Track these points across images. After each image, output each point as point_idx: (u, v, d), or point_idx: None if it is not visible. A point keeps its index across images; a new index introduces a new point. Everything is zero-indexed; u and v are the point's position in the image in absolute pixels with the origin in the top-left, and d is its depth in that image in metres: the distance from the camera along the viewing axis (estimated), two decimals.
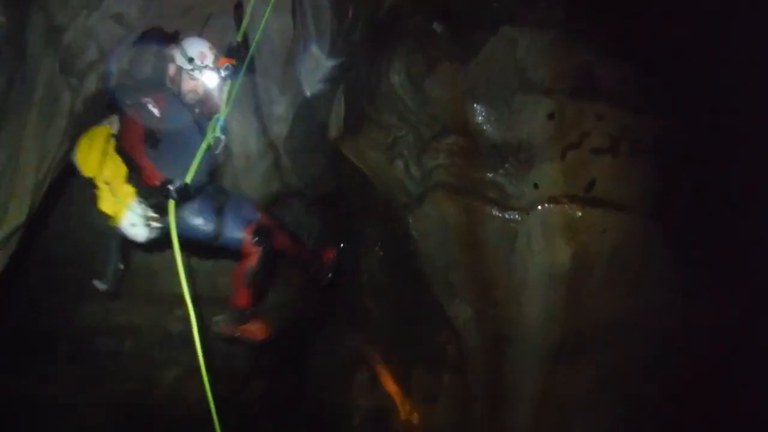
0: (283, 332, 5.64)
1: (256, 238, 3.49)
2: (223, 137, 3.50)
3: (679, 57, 3.84)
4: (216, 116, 3.49)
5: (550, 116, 3.82)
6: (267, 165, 5.11)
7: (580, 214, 3.78)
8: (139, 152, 3.20)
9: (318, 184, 5.33)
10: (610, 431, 4.10)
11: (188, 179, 3.15)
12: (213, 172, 3.64)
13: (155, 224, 3.30)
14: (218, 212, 3.52)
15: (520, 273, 3.92)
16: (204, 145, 3.27)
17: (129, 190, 3.25)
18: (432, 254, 4.19)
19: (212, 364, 5.29)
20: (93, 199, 3.31)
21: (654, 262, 3.96)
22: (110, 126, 3.40)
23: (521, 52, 3.93)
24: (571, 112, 3.81)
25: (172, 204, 3.10)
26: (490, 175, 3.93)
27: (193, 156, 3.22)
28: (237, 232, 3.50)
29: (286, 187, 5.25)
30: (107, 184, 3.26)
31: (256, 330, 3.75)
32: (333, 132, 4.85)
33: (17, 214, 3.04)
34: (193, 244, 3.42)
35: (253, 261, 3.52)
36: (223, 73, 3.46)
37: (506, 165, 3.91)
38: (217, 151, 3.53)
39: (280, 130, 5.01)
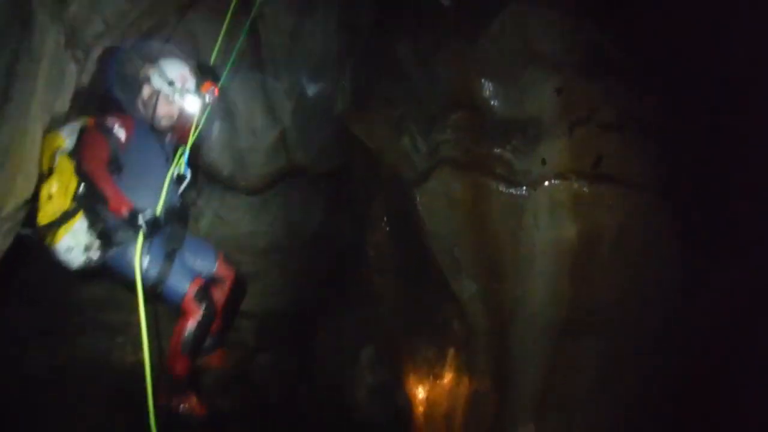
0: (288, 313, 5.69)
1: (199, 295, 3.13)
2: (188, 174, 3.21)
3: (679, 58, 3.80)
4: (181, 149, 3.21)
5: (558, 91, 3.79)
6: (273, 140, 5.10)
7: (587, 190, 3.77)
8: (104, 178, 2.90)
9: (324, 159, 5.31)
10: (617, 408, 4.11)
11: (158, 211, 2.91)
12: (173, 211, 3.22)
13: (94, 253, 2.99)
14: (168, 257, 3.13)
15: (526, 249, 3.92)
16: (168, 178, 3.03)
17: (73, 209, 2.99)
18: (438, 230, 4.19)
19: None
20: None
21: (660, 241, 3.95)
22: (64, 138, 3.06)
23: (530, 27, 3.89)
24: (580, 87, 3.79)
25: (140, 237, 2.84)
26: (497, 150, 3.91)
27: (158, 186, 2.98)
28: (182, 284, 3.12)
29: (291, 163, 5.24)
30: (50, 198, 2.97)
31: (192, 406, 3.31)
32: (340, 107, 4.83)
33: (25, 188, 3.05)
34: (129, 286, 2.99)
35: (193, 322, 3.13)
36: (207, 99, 3.21)
37: (513, 140, 3.89)
38: (181, 190, 3.22)
39: (286, 104, 4.99)
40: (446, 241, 4.20)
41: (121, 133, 3.02)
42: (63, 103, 3.25)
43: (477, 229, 4.05)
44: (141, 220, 2.83)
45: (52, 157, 2.99)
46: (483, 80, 3.92)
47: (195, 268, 3.29)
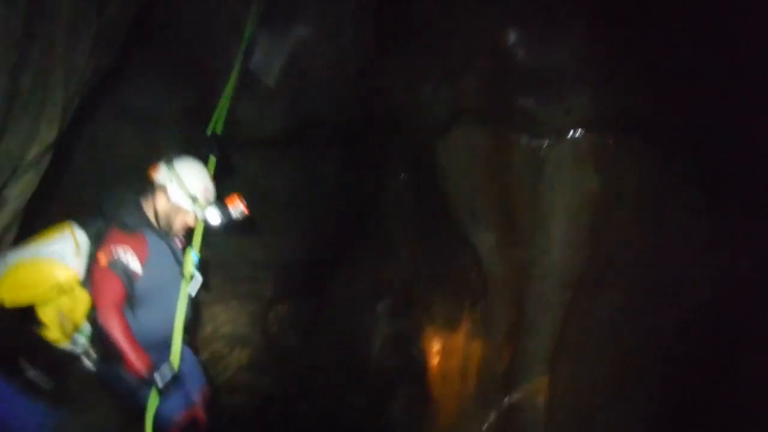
0: (305, 264, 5.74)
1: (188, 430, 2.90)
2: (199, 277, 2.90)
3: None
4: (189, 251, 2.89)
5: (586, 41, 3.71)
6: (291, 92, 5.05)
7: (611, 141, 3.72)
8: (122, 330, 2.59)
9: (344, 110, 5.27)
10: (629, 360, 4.14)
11: (175, 364, 2.64)
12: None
13: (89, 362, 2.74)
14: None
15: (547, 201, 3.90)
16: (181, 326, 2.69)
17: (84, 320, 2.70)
18: (458, 180, 4.17)
19: (237, 288, 5.45)
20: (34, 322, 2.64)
21: (681, 194, 3.91)
22: (70, 268, 2.65)
23: None
24: (608, 37, 3.70)
25: (154, 395, 2.61)
26: (520, 100, 3.85)
27: (174, 301, 2.71)
28: (175, 410, 2.85)
29: (311, 115, 5.20)
30: (61, 315, 2.66)
31: None
32: (360, 55, 4.76)
33: (48, 133, 3.05)
34: (120, 398, 2.85)
35: None
36: (234, 216, 2.90)
37: (538, 91, 3.82)
38: (193, 295, 2.90)
39: (304, 56, 4.92)
40: (466, 193, 4.18)
41: (135, 264, 2.68)
42: (83, 49, 3.24)
43: (497, 181, 4.03)
44: (159, 382, 2.60)
45: (59, 289, 2.66)
46: (508, 28, 3.83)
47: (188, 392, 3.02)
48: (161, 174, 2.85)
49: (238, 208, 2.92)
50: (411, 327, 5.18)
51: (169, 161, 2.88)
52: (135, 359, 2.61)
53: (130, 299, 2.69)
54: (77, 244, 2.73)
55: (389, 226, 5.17)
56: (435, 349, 5.00)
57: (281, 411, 5.71)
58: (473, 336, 4.65)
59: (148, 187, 2.88)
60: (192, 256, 2.86)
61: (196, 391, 3.10)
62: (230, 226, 2.95)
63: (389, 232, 5.18)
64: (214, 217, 2.89)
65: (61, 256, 2.67)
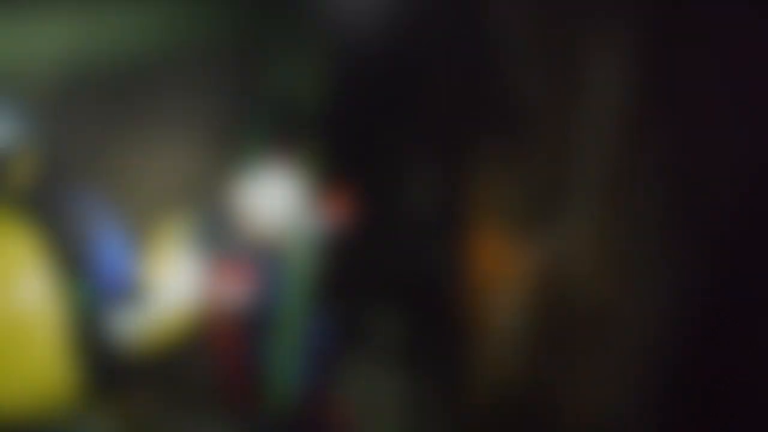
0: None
1: None
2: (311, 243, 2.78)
3: None
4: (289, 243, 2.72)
5: None
6: None
7: None
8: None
9: None
10: (677, 211, 4.05)
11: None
12: None
13: None
14: None
15: (598, 32, 3.65)
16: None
17: None
18: (500, 19, 3.91)
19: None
20: None
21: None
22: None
23: None
24: None
25: None
26: None
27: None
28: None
29: None
30: None
31: None
32: None
33: None
34: None
35: None
36: (320, 224, 2.70)
37: None
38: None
39: None
40: (509, 32, 3.93)
41: (243, 291, 2.53)
42: None
43: (540, 15, 3.76)
44: None
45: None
46: None
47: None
48: (237, 192, 2.66)
49: (335, 216, 2.77)
50: (446, 173, 5.11)
51: (241, 178, 2.72)
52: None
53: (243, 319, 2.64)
54: (186, 277, 2.68)
55: (426, 62, 4.96)
56: (473, 195, 4.96)
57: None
58: (513, 182, 4.57)
59: (231, 208, 2.73)
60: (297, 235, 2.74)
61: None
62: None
63: (423, 69, 4.98)
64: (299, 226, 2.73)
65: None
